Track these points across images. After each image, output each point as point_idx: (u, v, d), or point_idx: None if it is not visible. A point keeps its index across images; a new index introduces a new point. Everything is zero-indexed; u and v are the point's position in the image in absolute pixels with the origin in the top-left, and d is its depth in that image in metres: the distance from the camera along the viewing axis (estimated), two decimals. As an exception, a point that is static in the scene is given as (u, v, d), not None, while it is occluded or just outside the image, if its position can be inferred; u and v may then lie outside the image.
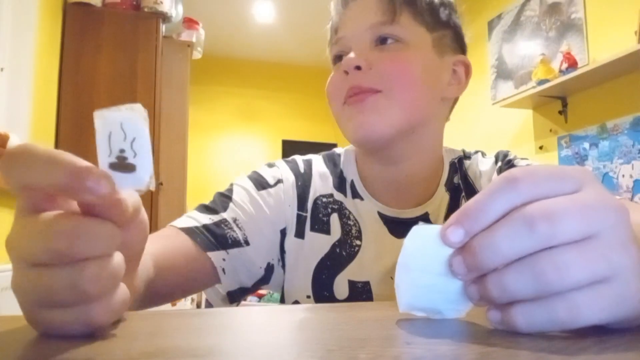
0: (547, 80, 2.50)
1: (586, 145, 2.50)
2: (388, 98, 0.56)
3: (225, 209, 0.60)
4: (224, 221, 0.59)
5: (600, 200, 0.25)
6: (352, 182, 0.66)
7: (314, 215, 0.64)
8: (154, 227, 2.47)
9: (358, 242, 0.62)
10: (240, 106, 5.24)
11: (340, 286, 0.60)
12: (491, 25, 3.28)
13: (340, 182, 0.66)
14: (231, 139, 5.18)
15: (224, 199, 0.61)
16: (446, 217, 0.61)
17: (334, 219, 0.63)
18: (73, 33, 2.45)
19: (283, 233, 0.63)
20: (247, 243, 0.59)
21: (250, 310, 0.44)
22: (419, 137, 0.60)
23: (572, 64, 2.42)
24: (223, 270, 0.57)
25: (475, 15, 3.39)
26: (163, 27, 2.68)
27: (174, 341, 0.26)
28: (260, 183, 0.63)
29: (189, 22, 3.16)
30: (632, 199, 2.23)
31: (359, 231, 0.62)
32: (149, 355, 0.22)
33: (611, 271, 0.24)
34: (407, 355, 0.21)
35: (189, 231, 0.56)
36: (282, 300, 0.65)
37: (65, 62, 2.43)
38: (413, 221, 0.61)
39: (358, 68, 0.57)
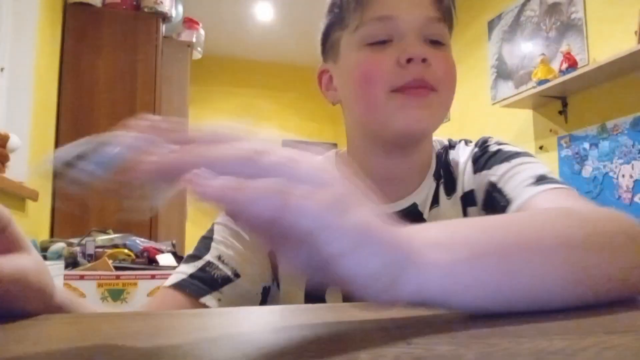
0: (547, 80, 2.50)
1: (586, 145, 2.50)
2: (440, 98, 0.57)
3: (208, 250, 0.60)
4: (208, 264, 0.58)
5: None
6: None
7: None
8: (154, 226, 2.47)
9: None
10: (240, 106, 5.24)
11: (335, 299, 0.59)
12: (491, 25, 3.28)
13: None
14: (231, 139, 5.18)
15: (206, 240, 0.61)
16: (430, 206, 0.62)
17: None
18: (73, 33, 2.46)
19: (273, 254, 0.61)
20: (237, 276, 0.58)
21: (250, 311, 0.45)
22: None
23: (572, 64, 2.43)
24: None
25: (475, 15, 3.39)
26: (163, 27, 2.68)
27: (174, 341, 0.26)
28: None
29: (189, 22, 3.17)
30: (632, 199, 2.24)
31: None
32: (149, 355, 0.22)
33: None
34: (407, 355, 0.21)
35: (177, 286, 0.57)
36: None
37: (65, 62, 2.43)
38: (402, 212, 0.61)
39: (424, 60, 0.55)
